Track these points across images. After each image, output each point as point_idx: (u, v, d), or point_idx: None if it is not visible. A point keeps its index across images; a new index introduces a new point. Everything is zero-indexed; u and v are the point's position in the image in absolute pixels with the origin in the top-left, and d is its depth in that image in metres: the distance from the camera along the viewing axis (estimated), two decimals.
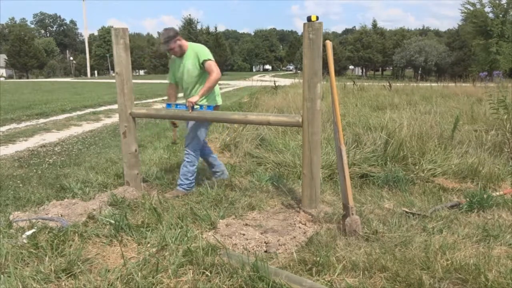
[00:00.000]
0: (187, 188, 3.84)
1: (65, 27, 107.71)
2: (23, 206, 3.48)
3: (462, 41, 48.78)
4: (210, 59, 3.59)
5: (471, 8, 39.97)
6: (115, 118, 10.17)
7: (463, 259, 2.35)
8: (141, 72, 73.09)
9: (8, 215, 3.19)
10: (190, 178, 3.85)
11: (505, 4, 39.04)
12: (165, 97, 4.00)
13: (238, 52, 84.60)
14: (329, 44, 3.06)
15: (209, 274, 2.24)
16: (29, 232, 2.77)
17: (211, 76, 3.58)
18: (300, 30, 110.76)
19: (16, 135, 7.57)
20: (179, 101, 3.89)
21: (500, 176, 4.06)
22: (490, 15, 39.40)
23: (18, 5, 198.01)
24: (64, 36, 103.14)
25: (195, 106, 3.58)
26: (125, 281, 2.16)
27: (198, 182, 4.12)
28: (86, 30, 77.55)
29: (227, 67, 67.25)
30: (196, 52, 3.65)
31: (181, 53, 3.70)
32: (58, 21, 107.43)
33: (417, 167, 4.22)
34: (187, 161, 3.83)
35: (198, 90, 3.69)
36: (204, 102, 3.72)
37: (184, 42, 3.69)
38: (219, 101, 3.92)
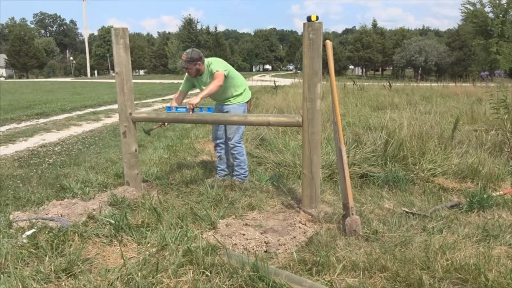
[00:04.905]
0: (244, 178, 4.13)
1: (65, 27, 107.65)
2: (23, 206, 3.48)
3: (462, 41, 48.74)
4: (218, 70, 3.75)
5: (471, 8, 39.90)
6: (115, 118, 10.17)
7: (463, 259, 2.35)
8: (141, 72, 73.08)
9: (8, 215, 3.18)
10: (244, 167, 4.15)
11: (505, 4, 38.97)
12: (165, 97, 4.02)
13: (238, 52, 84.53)
14: (329, 44, 3.06)
15: (209, 274, 2.24)
16: (29, 232, 2.77)
17: (212, 83, 3.70)
18: (300, 30, 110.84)
19: (16, 135, 7.56)
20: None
21: (500, 176, 4.06)
22: (490, 15, 39.32)
23: (18, 5, 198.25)
24: (64, 36, 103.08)
25: (195, 109, 3.59)
26: (125, 281, 2.17)
27: (198, 182, 4.13)
28: (86, 30, 77.72)
29: None
30: (210, 67, 3.84)
31: (195, 75, 3.90)
32: (58, 21, 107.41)
33: (417, 167, 4.22)
34: (236, 153, 4.09)
35: (233, 95, 3.99)
36: (238, 99, 4.02)
37: (202, 67, 3.88)
38: (249, 95, 4.17)
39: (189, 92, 4.17)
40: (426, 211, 3.24)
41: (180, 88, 4.10)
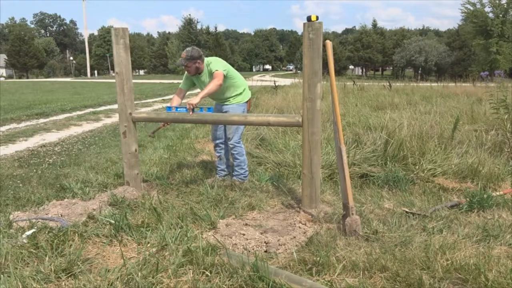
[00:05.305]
0: (244, 178, 4.14)
1: (65, 27, 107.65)
2: (23, 206, 3.48)
3: (462, 41, 48.74)
4: (218, 70, 3.75)
5: (471, 8, 39.88)
6: (115, 118, 10.17)
7: (463, 259, 2.35)
8: (141, 72, 73.08)
9: (8, 215, 3.19)
10: (244, 167, 4.15)
11: (505, 4, 38.97)
12: (165, 97, 4.03)
13: (238, 52, 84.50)
14: (329, 44, 3.06)
15: (209, 274, 2.24)
16: (29, 232, 2.77)
17: (211, 82, 3.70)
18: (300, 30, 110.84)
19: (16, 135, 7.56)
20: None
21: (500, 176, 4.06)
22: (490, 15, 39.30)
23: (18, 5, 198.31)
24: (64, 36, 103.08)
25: (195, 109, 3.59)
26: (125, 281, 2.17)
27: (198, 182, 4.13)
28: (86, 30, 77.56)
29: None
30: (210, 67, 3.85)
31: (194, 73, 3.90)
32: (58, 21, 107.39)
33: (417, 167, 4.22)
34: (236, 153, 4.08)
35: (232, 95, 4.00)
36: (238, 99, 4.02)
37: (202, 65, 3.88)
38: (249, 95, 4.18)
39: (189, 92, 4.16)
40: (426, 211, 3.24)
41: (180, 86, 4.10)
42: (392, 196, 3.71)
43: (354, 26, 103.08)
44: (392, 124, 5.25)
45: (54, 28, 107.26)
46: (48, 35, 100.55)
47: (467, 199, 3.36)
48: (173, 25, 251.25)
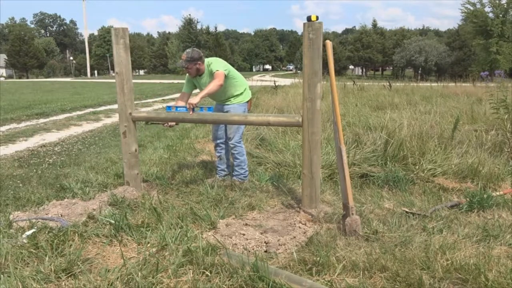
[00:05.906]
0: (243, 178, 4.14)
1: (65, 27, 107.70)
2: (23, 206, 3.48)
3: (462, 41, 48.76)
4: (219, 70, 3.75)
5: (471, 8, 39.88)
6: (115, 118, 10.17)
7: (463, 259, 2.35)
8: (141, 72, 73.08)
9: (8, 215, 3.18)
10: (244, 167, 4.15)
11: (505, 4, 38.97)
12: (165, 97, 4.04)
13: (238, 52, 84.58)
14: (329, 44, 3.06)
15: (209, 274, 2.24)
16: (29, 232, 2.77)
17: (212, 82, 3.70)
18: (300, 30, 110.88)
19: (16, 135, 7.56)
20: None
21: (500, 176, 4.06)
22: (490, 15, 39.31)
23: (18, 5, 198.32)
24: (64, 36, 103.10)
25: (195, 108, 3.58)
26: (125, 281, 2.17)
27: (198, 182, 4.13)
28: (86, 30, 77.51)
29: None
30: (210, 67, 3.85)
31: (195, 75, 3.91)
32: (58, 21, 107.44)
33: (417, 167, 4.22)
34: (236, 153, 4.09)
35: (233, 95, 4.01)
36: (239, 99, 4.02)
37: (202, 66, 3.88)
38: (250, 95, 4.18)
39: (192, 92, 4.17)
40: (426, 211, 3.24)
41: (183, 90, 4.10)
42: (392, 196, 3.71)
43: (354, 26, 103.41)
44: (392, 124, 5.25)
45: (54, 28, 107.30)
46: (48, 35, 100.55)
47: (467, 199, 3.36)
48: (173, 25, 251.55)
